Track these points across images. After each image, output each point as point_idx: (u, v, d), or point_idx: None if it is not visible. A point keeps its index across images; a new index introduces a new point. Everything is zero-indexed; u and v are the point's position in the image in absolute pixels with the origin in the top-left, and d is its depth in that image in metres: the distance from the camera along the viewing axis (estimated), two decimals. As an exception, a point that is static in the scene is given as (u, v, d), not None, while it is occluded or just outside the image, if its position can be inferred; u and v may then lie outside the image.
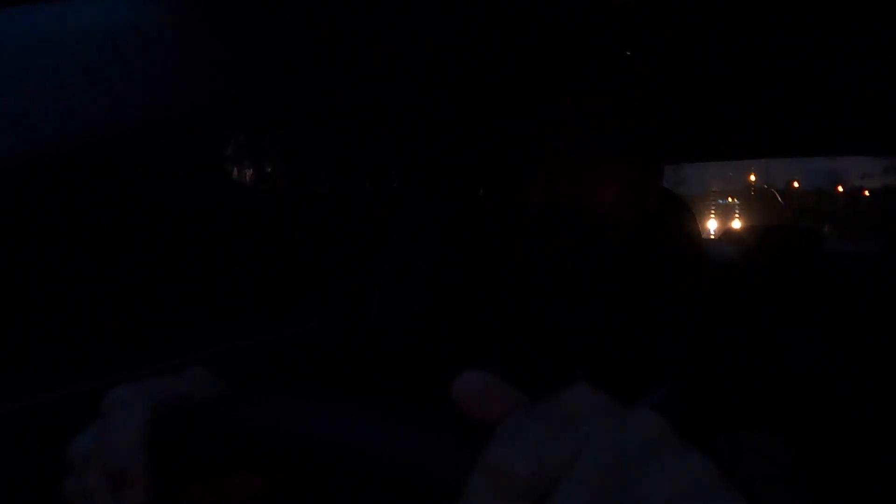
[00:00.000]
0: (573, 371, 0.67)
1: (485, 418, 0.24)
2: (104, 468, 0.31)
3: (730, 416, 0.58)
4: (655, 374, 0.63)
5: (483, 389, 0.24)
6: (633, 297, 0.70)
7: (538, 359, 0.68)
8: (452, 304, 0.79)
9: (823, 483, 0.56)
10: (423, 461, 0.24)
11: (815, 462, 0.56)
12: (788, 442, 0.57)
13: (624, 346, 0.67)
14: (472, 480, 0.21)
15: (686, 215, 0.95)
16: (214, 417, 0.31)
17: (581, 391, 0.23)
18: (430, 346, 0.73)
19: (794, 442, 0.57)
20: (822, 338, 1.35)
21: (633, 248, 0.70)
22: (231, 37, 0.60)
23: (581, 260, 0.65)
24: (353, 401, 0.28)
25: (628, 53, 0.75)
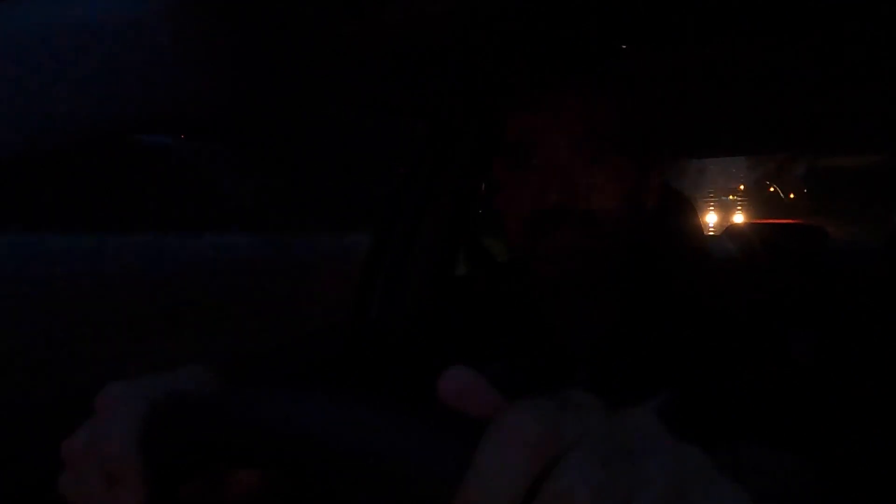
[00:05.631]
0: (575, 371, 0.67)
1: (470, 415, 0.25)
2: (100, 465, 0.31)
3: (732, 422, 0.57)
4: (656, 375, 0.63)
5: (465, 387, 0.25)
6: (636, 297, 0.69)
7: (540, 359, 0.68)
8: (454, 304, 0.79)
9: (828, 495, 0.55)
10: (421, 460, 0.24)
11: (819, 473, 0.55)
12: (791, 455, 0.56)
13: (625, 347, 0.66)
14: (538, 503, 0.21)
15: (688, 211, 0.94)
16: (211, 414, 0.30)
17: (637, 419, 0.24)
18: (430, 346, 0.73)
19: (796, 453, 0.56)
20: (826, 338, 1.35)
21: (634, 246, 0.69)
22: (230, 31, 0.60)
23: (577, 262, 0.64)
24: (352, 399, 0.27)
25: (623, 47, 0.74)
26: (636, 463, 0.22)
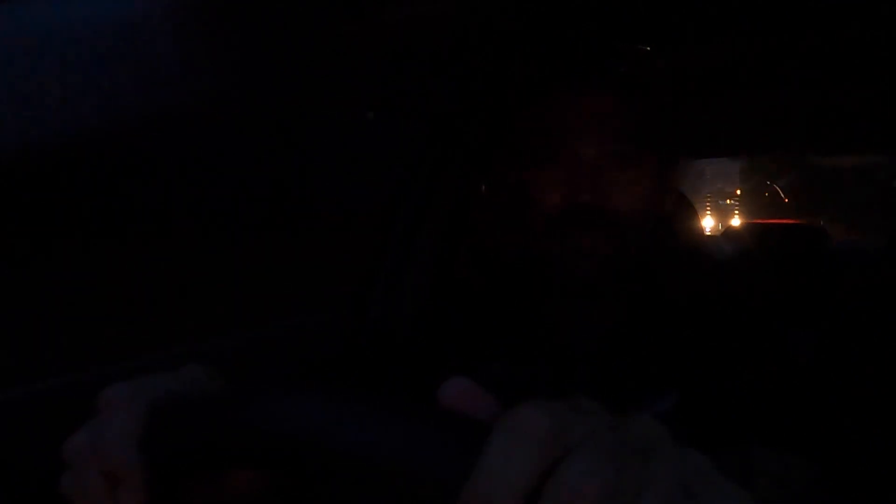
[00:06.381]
0: (575, 371, 0.66)
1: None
2: (101, 466, 0.31)
3: (732, 422, 0.57)
4: (656, 375, 0.63)
5: (463, 392, 0.26)
6: (637, 297, 0.69)
7: (540, 359, 0.68)
8: (454, 304, 0.79)
9: (829, 496, 0.55)
10: (424, 459, 0.24)
11: (819, 473, 0.55)
12: (799, 460, 0.56)
13: (626, 347, 0.66)
14: (545, 498, 0.22)
15: (689, 213, 0.94)
16: (211, 414, 0.30)
17: (643, 423, 0.25)
18: (430, 346, 0.73)
19: (796, 453, 0.56)
20: (826, 338, 1.35)
21: (648, 249, 0.69)
22: (230, 30, 0.60)
23: (599, 263, 0.64)
24: (353, 398, 0.27)
25: (647, 49, 0.74)
26: (642, 463, 0.22)
